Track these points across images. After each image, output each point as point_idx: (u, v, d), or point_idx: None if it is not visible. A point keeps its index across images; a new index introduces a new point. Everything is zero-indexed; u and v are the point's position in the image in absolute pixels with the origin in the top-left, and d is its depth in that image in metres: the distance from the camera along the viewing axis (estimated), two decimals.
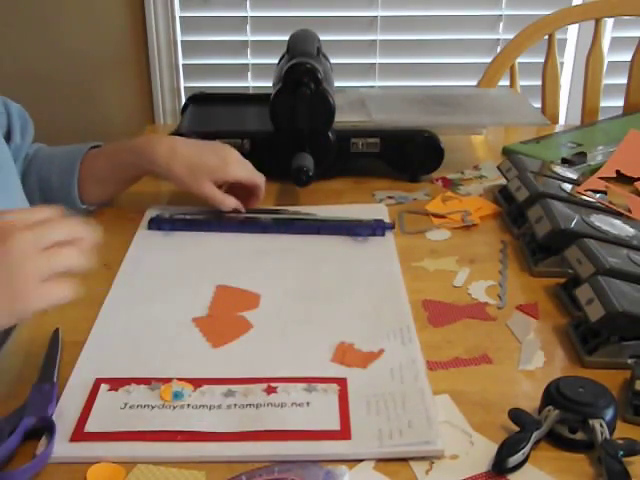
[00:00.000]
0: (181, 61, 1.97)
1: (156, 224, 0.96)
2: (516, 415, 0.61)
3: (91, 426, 0.62)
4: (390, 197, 1.07)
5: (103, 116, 2.00)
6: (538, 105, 1.53)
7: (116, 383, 0.67)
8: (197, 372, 0.68)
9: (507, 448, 0.58)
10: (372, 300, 0.81)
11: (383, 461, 0.59)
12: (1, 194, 0.86)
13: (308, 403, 0.64)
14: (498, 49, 1.89)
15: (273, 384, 0.66)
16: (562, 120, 1.77)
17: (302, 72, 1.03)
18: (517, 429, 0.60)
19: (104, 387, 0.66)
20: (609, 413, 0.60)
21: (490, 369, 0.71)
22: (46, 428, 0.61)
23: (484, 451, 0.60)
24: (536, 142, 1.25)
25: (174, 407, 0.64)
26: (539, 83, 1.56)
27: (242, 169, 0.97)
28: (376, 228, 0.95)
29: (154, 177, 1.01)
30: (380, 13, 1.92)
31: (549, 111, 1.54)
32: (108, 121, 1.98)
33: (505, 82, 1.56)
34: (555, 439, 0.61)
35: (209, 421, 0.62)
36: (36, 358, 0.70)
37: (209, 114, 1.22)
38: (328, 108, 1.05)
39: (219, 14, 1.92)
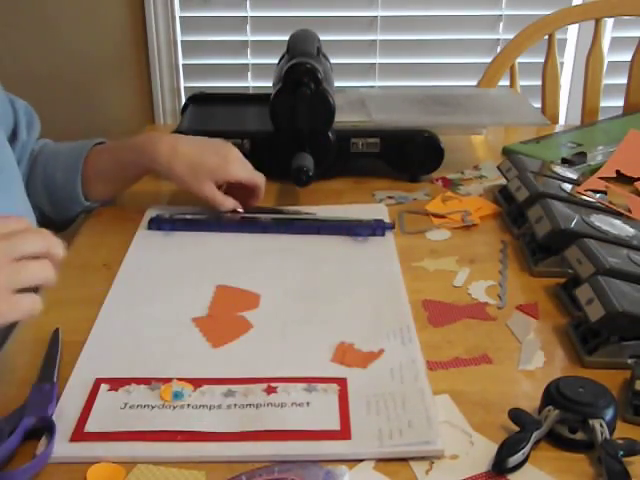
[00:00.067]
0: (181, 61, 1.97)
1: (156, 224, 0.96)
2: (516, 415, 0.61)
3: (91, 426, 0.62)
4: (390, 197, 1.07)
5: (103, 116, 1.99)
6: (538, 105, 1.53)
7: (116, 383, 0.67)
8: (197, 372, 0.68)
9: (507, 448, 0.58)
10: (372, 300, 0.81)
11: (383, 461, 0.59)
12: (3, 195, 0.86)
13: (308, 403, 0.64)
14: (498, 49, 1.89)
15: (273, 384, 0.66)
16: (562, 120, 1.77)
17: (302, 72, 1.03)
18: (517, 429, 0.60)
19: (104, 387, 0.66)
20: (609, 413, 0.60)
21: (490, 369, 0.71)
22: (46, 428, 0.61)
23: (484, 451, 0.60)
24: (536, 142, 1.25)
25: (174, 407, 0.64)
26: (539, 83, 1.56)
27: (243, 169, 0.97)
28: (376, 228, 0.95)
29: (155, 176, 1.01)
30: (380, 13, 1.91)
31: (549, 111, 1.54)
32: (108, 121, 1.98)
33: (505, 82, 1.56)
34: (555, 439, 0.61)
35: (209, 421, 0.62)
36: (36, 358, 0.70)
37: (209, 114, 1.22)
38: (328, 108, 1.05)
39: (219, 14, 1.92)
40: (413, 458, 0.60)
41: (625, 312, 0.69)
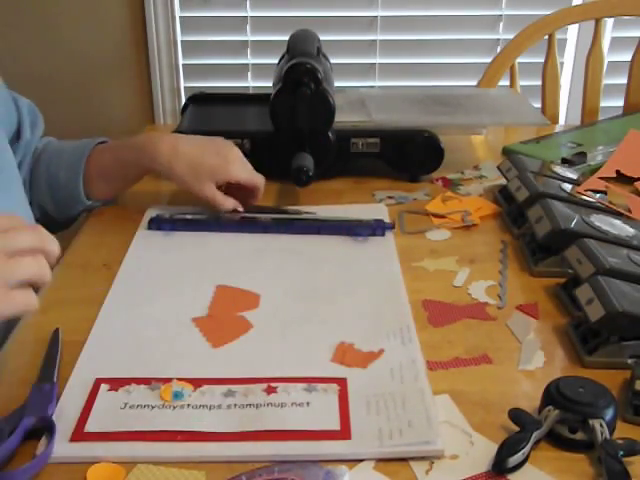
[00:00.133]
0: (181, 61, 1.97)
1: (156, 224, 0.96)
2: (516, 415, 0.61)
3: (91, 426, 0.62)
4: (390, 197, 1.07)
5: (103, 116, 1.99)
6: (538, 105, 1.53)
7: (116, 383, 0.67)
8: (197, 372, 0.68)
9: (507, 448, 0.58)
10: (372, 300, 0.81)
11: (383, 461, 0.59)
12: (2, 195, 0.86)
13: (308, 403, 0.64)
14: (498, 49, 1.89)
15: (273, 384, 0.66)
16: (562, 120, 1.77)
17: (302, 72, 1.03)
18: (517, 429, 0.60)
19: (104, 387, 0.66)
20: (609, 413, 0.60)
21: (490, 369, 0.71)
22: (46, 428, 0.61)
23: (484, 451, 0.60)
24: (536, 142, 1.25)
25: (174, 407, 0.64)
26: (539, 83, 1.56)
27: (243, 170, 0.97)
28: (376, 228, 0.95)
29: (155, 176, 1.01)
30: (380, 13, 1.91)
31: (549, 111, 1.54)
32: (108, 121, 1.98)
33: (505, 82, 1.56)
34: (555, 439, 0.61)
35: (209, 421, 0.62)
36: (36, 358, 0.70)
37: (209, 114, 1.22)
38: (328, 108, 1.05)
39: (219, 14, 1.92)
40: (413, 458, 0.59)
41: (625, 312, 0.69)
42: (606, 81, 1.57)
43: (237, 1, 1.91)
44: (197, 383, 0.67)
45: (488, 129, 1.29)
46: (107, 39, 1.94)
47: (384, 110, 1.17)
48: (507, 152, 1.21)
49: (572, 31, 1.92)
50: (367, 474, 0.58)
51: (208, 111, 1.23)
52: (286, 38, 1.21)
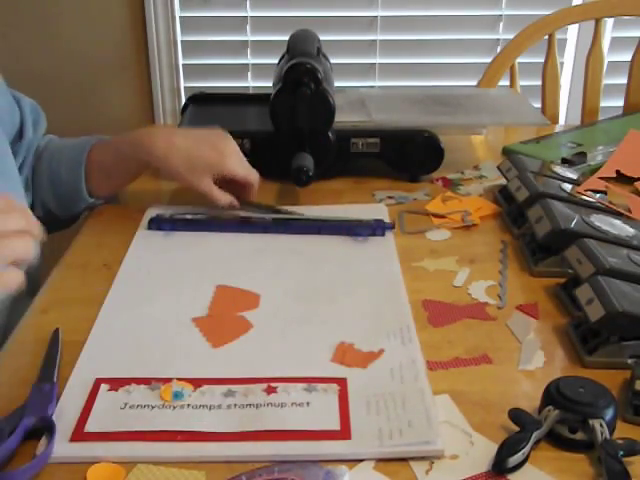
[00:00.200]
0: (181, 61, 1.97)
1: (156, 224, 0.96)
2: (516, 415, 0.61)
3: (91, 426, 0.62)
4: (390, 197, 1.07)
5: (103, 116, 1.99)
6: (538, 105, 1.53)
7: (116, 383, 0.67)
8: (197, 372, 0.68)
9: (507, 448, 0.58)
10: (372, 300, 0.81)
11: (383, 461, 0.59)
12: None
13: (308, 403, 0.64)
14: (498, 49, 1.89)
15: (273, 384, 0.66)
16: (562, 120, 1.77)
17: (302, 72, 1.03)
18: (517, 429, 0.60)
19: (104, 387, 0.66)
20: (609, 413, 0.60)
21: (490, 369, 0.71)
22: (46, 428, 0.61)
23: (484, 451, 0.60)
24: (536, 142, 1.25)
25: (174, 407, 0.64)
26: (539, 83, 1.56)
27: (239, 165, 0.97)
28: (376, 228, 0.95)
29: (155, 176, 1.02)
30: (380, 13, 1.91)
31: (549, 111, 1.54)
32: (108, 121, 1.98)
33: (505, 82, 1.56)
34: (555, 439, 0.61)
35: (209, 421, 0.62)
36: (36, 358, 0.70)
37: (209, 114, 1.22)
38: (328, 108, 1.05)
39: (219, 14, 1.92)
40: (413, 458, 0.60)
41: (625, 312, 0.69)
42: (606, 81, 1.57)
43: (237, 1, 1.91)
44: (197, 383, 0.67)
45: (488, 129, 1.29)
46: (107, 39, 1.94)
47: (384, 110, 1.17)
48: (507, 152, 1.21)
49: (572, 31, 1.92)
50: (367, 474, 0.58)
51: (208, 111, 1.23)
52: (286, 38, 1.21)
